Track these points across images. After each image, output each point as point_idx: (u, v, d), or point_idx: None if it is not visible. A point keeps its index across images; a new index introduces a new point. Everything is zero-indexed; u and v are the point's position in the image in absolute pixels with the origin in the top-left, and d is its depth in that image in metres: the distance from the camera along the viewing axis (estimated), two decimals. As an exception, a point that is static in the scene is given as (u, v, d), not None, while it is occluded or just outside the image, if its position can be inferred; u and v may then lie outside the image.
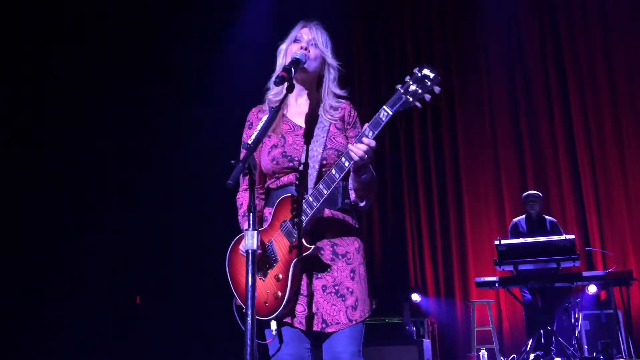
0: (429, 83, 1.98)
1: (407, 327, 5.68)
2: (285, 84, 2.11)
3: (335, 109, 2.28)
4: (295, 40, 2.28)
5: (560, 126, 7.89)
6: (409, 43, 8.52)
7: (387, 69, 8.49)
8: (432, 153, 8.25)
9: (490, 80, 8.21)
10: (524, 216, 6.64)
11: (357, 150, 1.99)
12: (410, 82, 2.00)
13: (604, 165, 7.64)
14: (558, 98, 7.95)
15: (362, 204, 2.21)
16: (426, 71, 1.99)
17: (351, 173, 2.13)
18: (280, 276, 2.09)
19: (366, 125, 2.02)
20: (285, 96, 2.16)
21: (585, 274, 5.64)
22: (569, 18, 8.04)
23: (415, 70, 2.00)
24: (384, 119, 2.00)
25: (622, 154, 7.58)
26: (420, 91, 1.98)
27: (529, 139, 7.97)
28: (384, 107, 2.01)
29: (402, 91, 2.00)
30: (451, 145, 8.22)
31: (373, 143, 2.00)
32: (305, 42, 2.25)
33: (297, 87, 2.29)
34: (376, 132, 2.01)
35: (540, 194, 6.73)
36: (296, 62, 2.16)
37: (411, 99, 1.99)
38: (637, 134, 7.56)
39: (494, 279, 5.70)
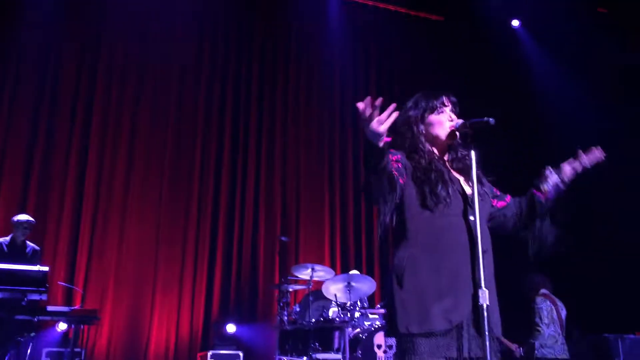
0: None
1: None
2: None
3: None
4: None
5: (74, 158, 7.93)
6: None
7: None
8: None
9: (14, 102, 7.79)
10: (8, 237, 6.25)
11: None
12: None
13: (107, 206, 7.93)
14: (79, 134, 8.02)
15: None
16: None
17: None
18: None
19: None
20: None
21: (50, 308, 5.52)
22: (110, 60, 8.33)
23: None
24: None
25: (125, 198, 8.02)
26: None
27: (40, 168, 7.75)
28: None
29: None
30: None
31: None
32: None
33: None
34: None
35: (34, 221, 6.45)
36: None
37: None
38: (139, 182, 8.15)
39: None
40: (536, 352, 5.21)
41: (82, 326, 6.13)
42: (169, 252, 8.01)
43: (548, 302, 5.35)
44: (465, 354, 2.09)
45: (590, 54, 7.97)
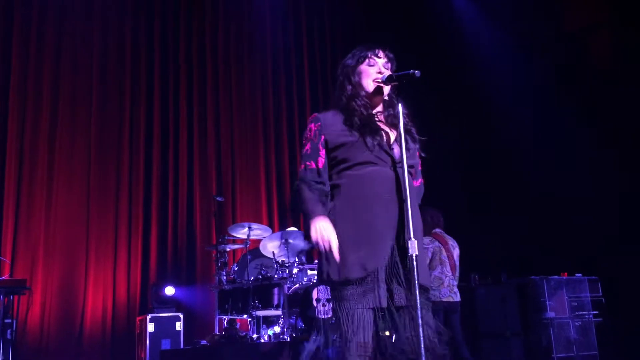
0: None
1: None
2: None
3: None
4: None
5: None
6: None
7: None
8: None
9: None
10: None
11: None
12: None
13: (32, 171, 7.59)
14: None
15: None
16: None
17: None
18: None
19: None
20: None
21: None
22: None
23: None
24: None
25: (51, 162, 7.69)
26: None
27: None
28: None
29: None
30: None
31: None
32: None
33: None
34: None
35: None
36: None
37: None
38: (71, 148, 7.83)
39: None
40: None
41: (11, 297, 5.94)
42: (100, 216, 7.77)
43: (436, 243, 5.11)
44: (385, 304, 2.15)
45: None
